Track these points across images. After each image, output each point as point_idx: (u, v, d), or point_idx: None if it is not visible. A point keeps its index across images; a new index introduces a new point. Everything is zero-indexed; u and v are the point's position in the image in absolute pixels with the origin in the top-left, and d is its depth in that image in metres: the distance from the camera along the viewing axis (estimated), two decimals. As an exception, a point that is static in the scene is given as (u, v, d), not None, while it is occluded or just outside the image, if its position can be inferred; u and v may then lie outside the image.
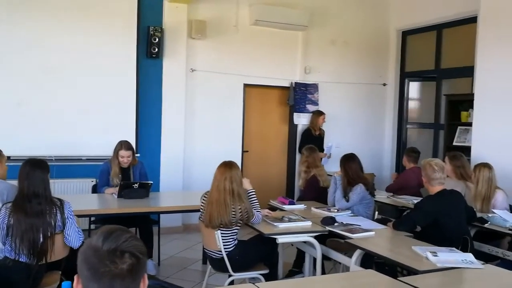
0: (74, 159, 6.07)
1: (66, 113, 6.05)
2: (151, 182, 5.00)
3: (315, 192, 5.27)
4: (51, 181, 3.40)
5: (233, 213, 3.70)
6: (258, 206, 3.98)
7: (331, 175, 5.13)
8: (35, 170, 3.23)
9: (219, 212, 3.69)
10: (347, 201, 4.64)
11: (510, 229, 4.05)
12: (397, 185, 5.93)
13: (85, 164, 6.09)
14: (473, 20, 6.35)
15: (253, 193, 3.99)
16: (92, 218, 5.07)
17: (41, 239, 3.16)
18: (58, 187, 5.75)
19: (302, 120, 7.59)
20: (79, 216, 3.88)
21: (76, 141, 6.05)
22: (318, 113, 7.37)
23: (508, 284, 2.79)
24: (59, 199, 3.32)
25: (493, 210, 4.42)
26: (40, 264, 3.20)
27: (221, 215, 3.68)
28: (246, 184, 4.00)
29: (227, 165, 3.83)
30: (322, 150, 7.02)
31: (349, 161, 4.77)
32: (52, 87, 5.99)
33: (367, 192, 4.67)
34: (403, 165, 6.30)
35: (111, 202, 4.75)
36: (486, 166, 4.67)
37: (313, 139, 6.93)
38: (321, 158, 6.48)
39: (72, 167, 6.03)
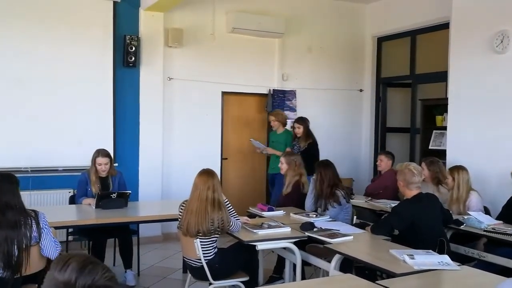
0: (50, 170, 5.97)
1: (41, 123, 5.96)
2: (129, 191, 4.96)
3: (299, 198, 5.24)
4: (27, 192, 3.38)
5: (211, 222, 3.69)
6: (236, 214, 3.98)
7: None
8: (4, 182, 3.19)
9: (198, 221, 3.67)
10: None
11: (485, 231, 4.13)
12: (378, 185, 5.97)
13: (61, 175, 6.00)
14: (445, 26, 6.48)
15: (228, 201, 3.98)
16: (70, 230, 5.01)
17: (16, 252, 3.10)
18: (35, 198, 5.65)
19: (280, 127, 7.60)
20: (56, 228, 3.81)
21: (52, 151, 5.96)
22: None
23: (483, 284, 2.83)
24: (33, 210, 3.27)
25: (468, 212, 4.49)
26: (15, 277, 3.14)
27: (200, 224, 3.67)
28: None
29: (209, 174, 3.82)
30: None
31: (325, 167, 4.76)
32: (27, 97, 5.89)
33: (344, 200, 4.69)
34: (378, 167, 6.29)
35: (88, 213, 4.67)
36: (464, 169, 4.75)
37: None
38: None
39: (49, 178, 5.94)
